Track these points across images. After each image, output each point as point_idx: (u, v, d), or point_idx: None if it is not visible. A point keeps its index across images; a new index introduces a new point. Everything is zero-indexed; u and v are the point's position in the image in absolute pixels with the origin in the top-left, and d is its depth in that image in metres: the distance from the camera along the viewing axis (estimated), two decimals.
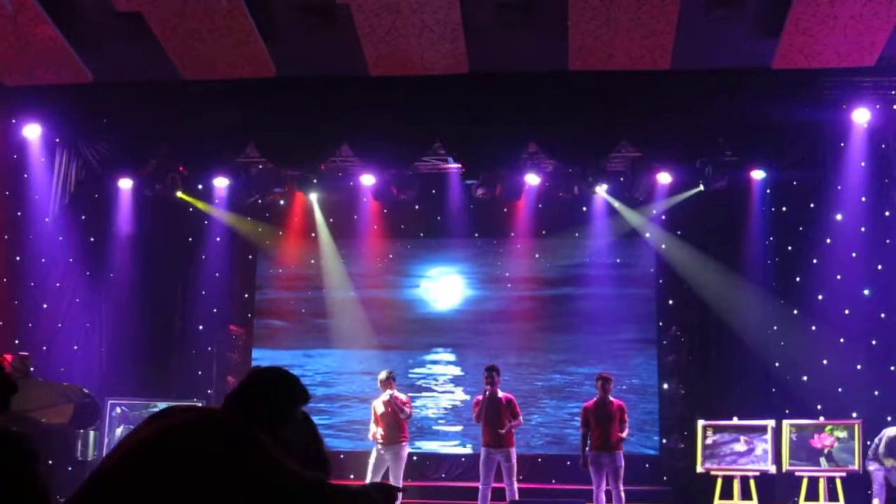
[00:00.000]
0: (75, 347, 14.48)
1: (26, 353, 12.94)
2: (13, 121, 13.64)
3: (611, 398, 12.10)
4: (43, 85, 12.76)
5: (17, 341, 13.70)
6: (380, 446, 12.39)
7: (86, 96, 12.93)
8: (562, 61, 11.65)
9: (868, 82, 12.30)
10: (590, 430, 12.02)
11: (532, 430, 15.02)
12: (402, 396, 12.59)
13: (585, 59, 11.58)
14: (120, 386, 14.24)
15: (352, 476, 14.21)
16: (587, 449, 11.99)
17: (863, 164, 13.33)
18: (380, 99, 12.39)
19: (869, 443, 12.37)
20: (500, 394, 12.30)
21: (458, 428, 15.41)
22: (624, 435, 12.03)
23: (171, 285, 15.74)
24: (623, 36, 11.19)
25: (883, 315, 13.43)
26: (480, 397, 12.29)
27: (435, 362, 15.81)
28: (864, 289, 13.61)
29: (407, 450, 12.55)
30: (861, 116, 12.73)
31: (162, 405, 13.02)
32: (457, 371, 15.75)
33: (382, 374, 12.56)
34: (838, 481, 12.31)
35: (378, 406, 12.45)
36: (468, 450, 15.08)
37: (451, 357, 15.81)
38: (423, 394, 15.52)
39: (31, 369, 12.77)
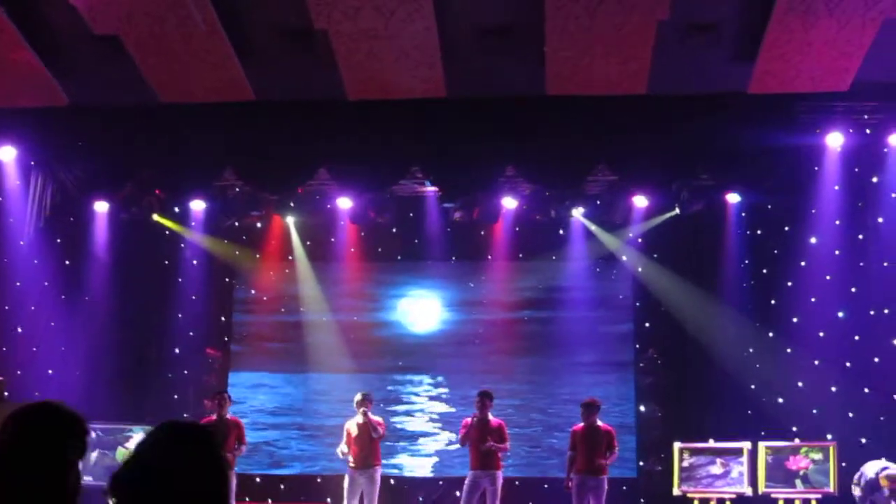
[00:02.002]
0: (50, 371, 14.38)
1: (1, 378, 12.83)
2: None
3: (599, 423, 12.17)
4: (18, 108, 12.70)
5: None
6: (352, 470, 12.36)
7: (62, 119, 12.86)
8: (539, 86, 11.71)
9: (842, 107, 12.43)
10: (576, 454, 12.09)
11: (510, 452, 15.00)
12: (377, 418, 12.57)
13: (563, 83, 11.65)
14: (95, 410, 14.08)
15: (329, 500, 14.16)
16: (571, 472, 12.06)
17: (836, 187, 13.46)
18: (358, 123, 12.41)
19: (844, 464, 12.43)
20: (492, 419, 12.33)
21: (436, 449, 15.37)
22: (609, 461, 12.09)
23: (147, 308, 15.65)
24: (600, 61, 11.26)
25: (857, 337, 13.54)
26: (469, 420, 12.31)
27: (412, 384, 15.79)
28: (839, 311, 13.73)
29: (380, 473, 12.52)
30: (835, 140, 12.85)
31: (137, 429, 12.98)
32: (435, 393, 15.73)
33: (358, 396, 12.54)
34: (814, 503, 12.37)
35: (352, 427, 12.44)
36: (445, 473, 15.04)
37: (428, 380, 15.80)
38: (400, 416, 15.48)
39: (6, 393, 12.64)
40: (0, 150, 13.44)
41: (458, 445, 12.75)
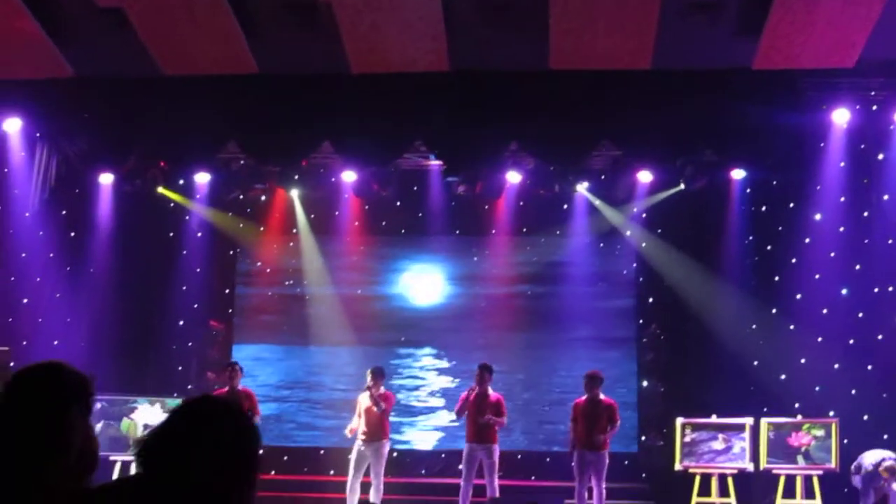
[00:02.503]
0: (55, 342, 14.42)
1: (6, 348, 12.88)
2: None
3: (601, 397, 12.19)
4: (23, 79, 12.71)
5: None
6: (361, 443, 12.42)
7: (66, 91, 12.86)
8: (543, 60, 11.67)
9: (847, 83, 12.38)
10: (577, 428, 12.13)
11: (511, 426, 15.05)
12: (386, 392, 12.61)
13: (566, 58, 11.61)
14: (100, 381, 14.10)
15: (332, 472, 14.23)
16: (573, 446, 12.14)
17: (842, 164, 13.43)
18: (361, 96, 12.37)
19: (846, 441, 12.46)
20: (491, 392, 12.37)
21: (438, 423, 15.43)
22: (610, 435, 12.12)
23: (151, 281, 15.67)
24: (604, 36, 11.22)
25: (860, 315, 13.52)
26: (467, 392, 12.35)
27: (414, 358, 15.83)
28: (843, 288, 13.71)
29: (388, 447, 12.59)
30: (840, 117, 12.81)
31: (142, 400, 13.04)
32: (436, 367, 15.78)
33: (371, 369, 12.60)
34: (815, 479, 12.39)
35: (363, 400, 12.50)
36: (447, 446, 15.10)
37: (431, 353, 15.84)
38: (403, 389, 15.53)
39: (11, 364, 12.71)
40: (5, 122, 13.46)
41: (454, 414, 12.80)
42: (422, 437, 15.53)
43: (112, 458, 12.26)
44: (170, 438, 2.73)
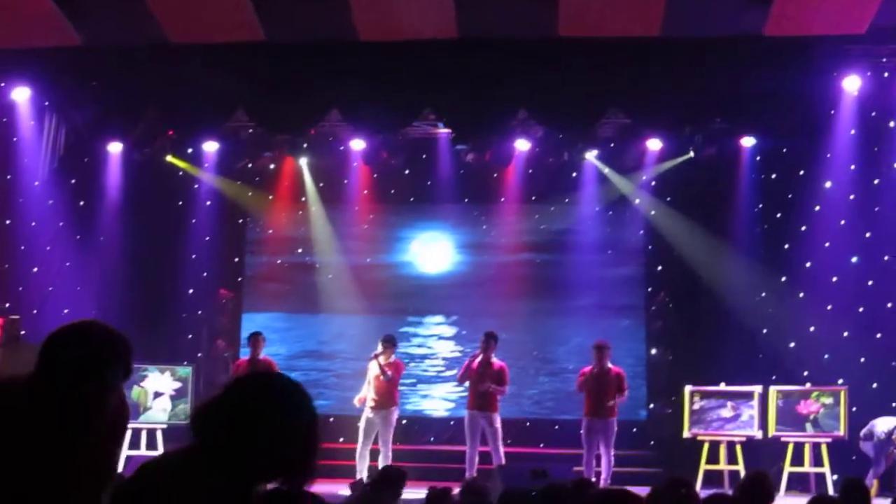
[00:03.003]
0: (65, 311, 14.45)
1: (17, 317, 12.94)
2: (2, 84, 13.56)
3: (609, 365, 12.22)
4: (32, 48, 12.69)
5: (7, 304, 13.69)
6: (370, 410, 12.48)
7: (74, 59, 12.84)
8: (552, 27, 11.62)
9: (859, 50, 12.29)
10: (585, 396, 12.17)
11: (520, 394, 15.11)
12: (393, 360, 12.64)
13: (576, 25, 11.55)
14: None
15: (341, 439, 14.29)
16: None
17: (852, 131, 13.35)
18: (369, 64, 12.34)
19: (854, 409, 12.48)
20: (494, 361, 12.38)
21: (446, 391, 15.47)
22: (619, 403, 12.15)
23: (161, 249, 15.70)
24: (613, 2, 11.17)
25: (870, 283, 13.49)
26: (471, 359, 12.38)
27: (423, 326, 15.87)
28: (852, 256, 13.67)
29: (396, 414, 12.65)
30: (851, 84, 12.74)
31: (152, 369, 13.10)
32: (445, 335, 15.81)
33: (382, 338, 12.65)
34: (823, 447, 12.44)
35: (372, 368, 12.55)
36: (456, 413, 15.16)
37: (440, 321, 15.87)
38: (412, 357, 15.56)
39: (22, 332, 12.77)
40: (14, 91, 13.45)
41: (456, 380, 12.86)
42: (431, 404, 15.58)
43: None
44: (229, 407, 2.73)
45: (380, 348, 12.54)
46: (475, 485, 8.02)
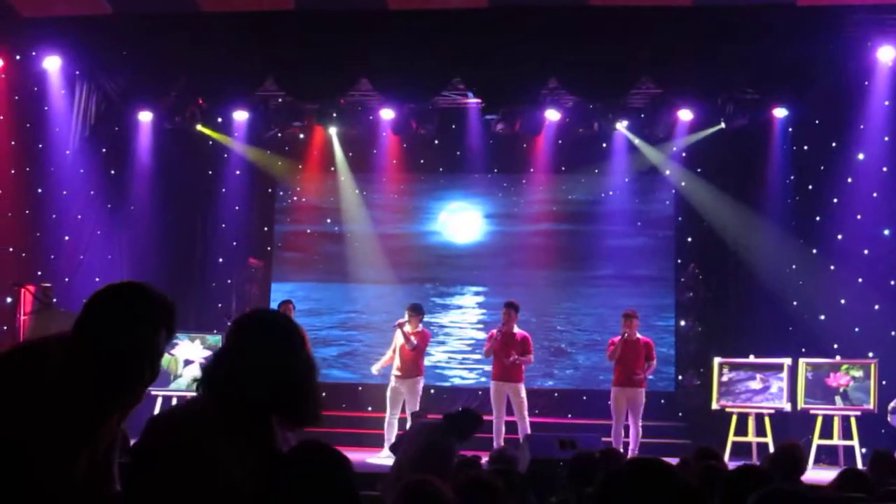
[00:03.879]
0: (97, 279, 14.54)
1: (49, 284, 13.06)
2: (33, 53, 13.61)
3: (637, 335, 12.22)
4: (62, 17, 12.74)
5: (39, 273, 13.81)
6: (395, 379, 12.53)
7: (105, 28, 12.91)
8: None
9: (893, 20, 12.13)
10: (614, 366, 12.19)
11: (547, 364, 15.13)
12: (420, 329, 12.66)
13: None
14: None
15: (370, 408, 14.37)
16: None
17: (886, 103, 13.17)
18: (399, 33, 12.33)
19: (885, 383, 12.40)
20: (517, 331, 12.40)
21: (475, 360, 15.50)
22: (647, 373, 12.17)
23: (191, 218, 15.82)
24: None
25: None
26: (494, 331, 12.41)
27: (451, 296, 15.89)
28: (885, 229, 13.54)
29: (421, 384, 12.67)
30: (886, 55, 12.59)
31: (182, 336, 13.19)
32: (474, 305, 15.83)
33: (409, 306, 12.68)
34: (853, 420, 12.38)
35: (398, 337, 12.59)
36: (484, 384, 15.19)
37: (469, 291, 15.89)
38: (440, 327, 15.61)
39: (54, 300, 12.89)
40: (45, 60, 13.51)
41: (483, 354, 12.88)
42: (459, 374, 15.62)
43: (153, 392, 12.45)
44: (223, 357, 2.78)
45: (406, 316, 12.57)
46: (504, 454, 8.06)
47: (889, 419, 12.13)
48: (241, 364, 2.77)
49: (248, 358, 2.78)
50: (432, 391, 14.79)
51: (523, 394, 12.35)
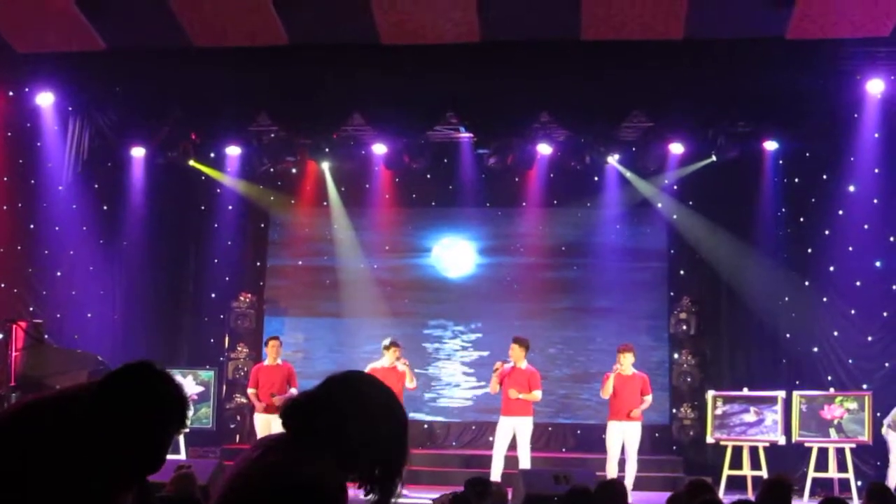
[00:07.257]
0: (89, 314, 14.55)
1: (40, 321, 13.03)
2: (26, 89, 13.66)
3: (633, 370, 12.17)
4: (55, 52, 12.77)
5: (31, 308, 13.79)
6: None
7: (98, 64, 12.94)
8: (574, 30, 11.61)
9: (883, 52, 12.21)
10: (609, 400, 12.13)
11: (543, 398, 15.06)
12: (401, 367, 12.46)
13: (598, 28, 11.54)
14: (133, 353, 14.27)
15: None
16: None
17: (876, 135, 13.27)
18: (391, 68, 12.37)
19: (879, 415, 12.40)
20: (524, 367, 12.32)
21: (469, 395, 15.45)
22: (643, 408, 12.10)
23: (183, 253, 15.80)
24: (636, 5, 11.14)
25: (894, 287, 13.41)
26: (502, 365, 12.28)
27: (444, 329, 15.85)
28: (876, 261, 13.59)
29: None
30: (875, 87, 12.66)
31: (175, 372, 13.10)
32: (466, 339, 15.80)
33: (385, 341, 12.57)
34: (848, 452, 12.36)
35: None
36: (479, 418, 15.14)
37: (462, 325, 15.85)
38: (433, 361, 15.58)
39: (46, 336, 12.85)
40: (38, 96, 13.55)
41: (489, 390, 12.77)
42: (452, 408, 15.55)
43: None
44: (323, 402, 2.77)
45: (391, 349, 12.42)
46: (480, 478, 7.90)
47: (883, 432, 12.11)
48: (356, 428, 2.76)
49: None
50: (425, 426, 14.75)
51: (530, 429, 12.22)
